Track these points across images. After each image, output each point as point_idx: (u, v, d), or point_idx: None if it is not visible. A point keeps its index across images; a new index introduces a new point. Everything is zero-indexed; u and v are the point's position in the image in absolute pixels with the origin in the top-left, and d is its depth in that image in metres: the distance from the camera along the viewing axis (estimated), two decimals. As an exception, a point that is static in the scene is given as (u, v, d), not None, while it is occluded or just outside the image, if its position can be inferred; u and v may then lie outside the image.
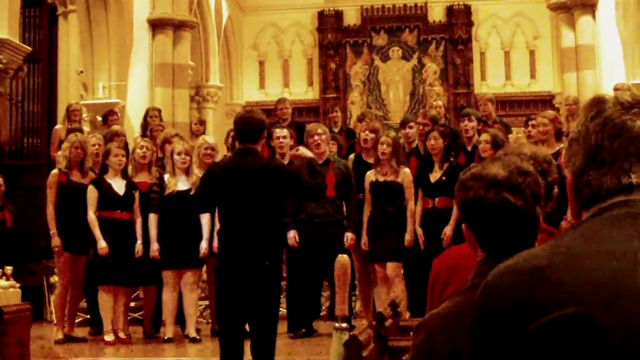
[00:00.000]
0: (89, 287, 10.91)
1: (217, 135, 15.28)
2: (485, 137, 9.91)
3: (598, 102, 1.70)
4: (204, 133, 13.06)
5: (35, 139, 17.99)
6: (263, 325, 6.79)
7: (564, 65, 18.82)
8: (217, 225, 9.72)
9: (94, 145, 11.18)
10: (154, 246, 10.24)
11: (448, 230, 9.91)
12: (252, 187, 6.73)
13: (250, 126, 6.91)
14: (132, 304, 11.33)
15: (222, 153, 11.49)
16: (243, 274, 6.67)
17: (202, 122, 13.59)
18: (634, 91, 1.88)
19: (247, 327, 6.96)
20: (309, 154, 7.90)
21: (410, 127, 11.41)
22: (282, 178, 6.92)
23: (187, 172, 10.28)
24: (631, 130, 1.63)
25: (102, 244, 10.09)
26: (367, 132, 10.84)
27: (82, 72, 16.47)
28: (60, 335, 10.36)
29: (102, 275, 10.19)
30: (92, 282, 10.57)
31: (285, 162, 10.62)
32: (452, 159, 10.26)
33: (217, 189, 6.93)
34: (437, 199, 10.08)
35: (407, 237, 10.11)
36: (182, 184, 10.23)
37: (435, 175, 10.15)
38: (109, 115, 14.05)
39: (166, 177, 10.34)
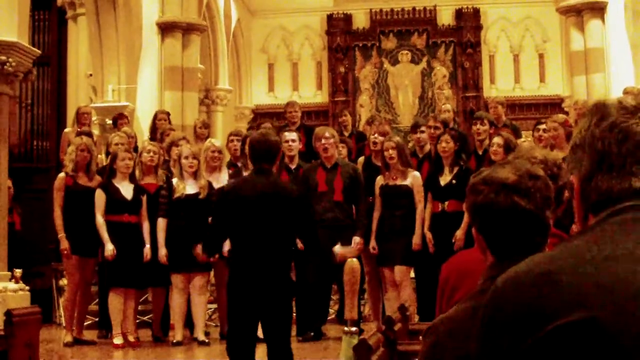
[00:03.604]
0: (101, 290, 10.93)
1: (226, 139, 15.30)
2: (497, 140, 9.89)
3: (601, 107, 1.69)
4: (208, 136, 13.05)
5: (45, 142, 18.03)
6: (278, 332, 6.80)
7: (573, 69, 18.80)
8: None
9: (116, 144, 11.21)
10: (162, 251, 10.24)
11: (459, 233, 9.89)
12: (265, 209, 6.75)
13: (267, 147, 6.93)
14: (141, 307, 11.34)
15: (225, 157, 11.49)
16: (256, 288, 6.68)
17: (206, 125, 13.58)
18: (644, 95, 1.87)
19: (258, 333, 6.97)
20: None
21: (422, 132, 11.39)
22: (296, 201, 6.95)
23: (195, 175, 10.28)
24: (638, 134, 1.63)
25: (109, 247, 10.10)
26: (376, 135, 10.85)
27: (91, 75, 16.49)
28: (69, 338, 10.38)
29: (113, 278, 10.20)
30: (104, 284, 10.59)
31: (293, 166, 10.64)
32: (462, 163, 10.24)
33: (230, 212, 6.94)
34: (447, 203, 10.06)
35: (415, 240, 10.09)
36: (190, 188, 10.23)
37: (445, 179, 10.13)
38: (118, 118, 14.07)
39: (174, 181, 10.34)
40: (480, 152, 11.03)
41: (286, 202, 6.86)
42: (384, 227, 10.17)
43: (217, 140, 12.16)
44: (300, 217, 7.02)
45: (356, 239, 10.11)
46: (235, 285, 6.85)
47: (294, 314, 10.30)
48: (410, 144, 11.73)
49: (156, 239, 10.31)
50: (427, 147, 11.30)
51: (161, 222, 10.31)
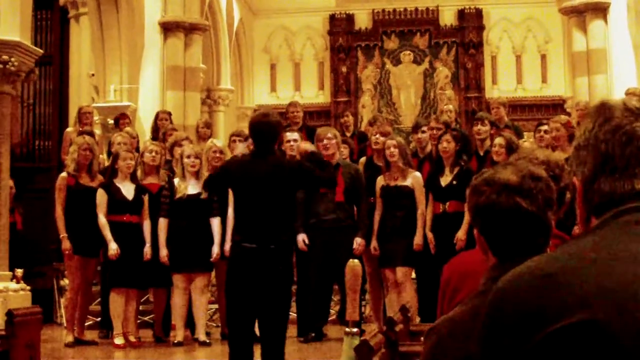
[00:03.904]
0: (103, 289, 10.95)
1: (227, 139, 15.28)
2: (499, 140, 9.87)
3: (605, 109, 1.69)
4: (210, 136, 13.05)
5: (47, 141, 18.04)
6: (273, 329, 6.79)
7: (576, 70, 18.78)
8: (229, 229, 9.78)
9: (119, 144, 11.22)
10: (163, 251, 10.23)
11: (461, 234, 9.87)
12: (268, 185, 6.77)
13: (268, 128, 6.94)
14: (142, 308, 11.34)
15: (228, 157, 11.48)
16: (254, 276, 6.69)
17: (208, 125, 13.57)
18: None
19: (257, 331, 6.97)
20: (310, 147, 7.92)
21: (423, 132, 11.38)
22: (297, 174, 6.98)
23: (197, 175, 10.27)
24: None
25: (112, 246, 10.09)
26: (378, 135, 10.83)
27: (93, 74, 16.50)
28: (70, 338, 10.37)
29: (114, 278, 10.20)
30: (106, 284, 10.61)
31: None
32: (462, 163, 10.22)
33: (229, 185, 7.03)
34: (448, 203, 10.04)
35: (417, 241, 10.07)
36: (192, 188, 10.23)
37: (446, 179, 10.11)
38: (120, 118, 14.07)
39: (176, 181, 10.33)
40: (481, 153, 11.02)
41: (289, 175, 6.90)
42: (385, 228, 10.15)
43: (219, 140, 12.15)
44: (305, 177, 7.07)
45: (358, 240, 10.11)
46: (235, 271, 6.86)
47: (295, 315, 10.32)
48: (412, 145, 11.70)
49: (157, 239, 10.31)
50: (429, 147, 11.28)
51: (162, 222, 10.30)
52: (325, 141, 10.33)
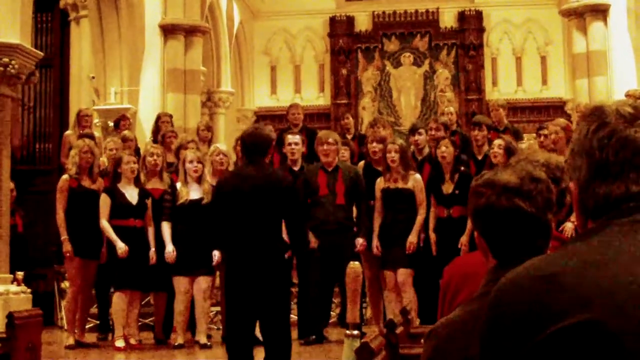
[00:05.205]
0: (100, 292, 10.94)
1: (228, 141, 15.28)
2: (498, 142, 9.87)
3: (599, 113, 1.69)
4: (211, 138, 13.03)
5: (47, 144, 18.03)
6: (276, 333, 6.80)
7: (576, 72, 18.75)
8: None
9: (111, 149, 11.21)
10: (169, 247, 10.21)
11: (464, 240, 9.84)
12: (257, 200, 6.78)
13: (258, 141, 6.97)
14: (144, 310, 11.32)
15: (232, 160, 11.47)
16: (252, 281, 6.69)
17: (209, 128, 13.55)
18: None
19: (257, 334, 6.98)
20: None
21: (420, 134, 11.37)
22: (282, 192, 6.98)
23: (200, 180, 10.25)
24: (636, 142, 1.63)
25: (120, 245, 10.07)
26: (374, 143, 10.76)
27: (94, 77, 16.49)
28: (71, 341, 10.37)
29: (119, 280, 10.18)
30: (104, 287, 10.59)
31: (297, 168, 10.62)
32: (462, 168, 10.21)
33: (225, 205, 7.01)
34: (452, 209, 10.02)
35: (411, 239, 10.03)
36: (194, 193, 10.21)
37: (447, 187, 10.09)
38: (120, 120, 14.06)
39: (178, 185, 10.32)
40: (479, 157, 11.01)
41: (275, 191, 6.90)
42: (386, 231, 10.14)
43: (222, 144, 12.16)
44: (289, 207, 7.04)
45: (359, 240, 10.12)
46: (232, 276, 6.87)
47: (296, 317, 10.31)
48: (411, 148, 11.71)
49: (161, 243, 10.29)
50: (426, 149, 11.28)
51: (165, 226, 10.29)
52: (325, 146, 10.33)
